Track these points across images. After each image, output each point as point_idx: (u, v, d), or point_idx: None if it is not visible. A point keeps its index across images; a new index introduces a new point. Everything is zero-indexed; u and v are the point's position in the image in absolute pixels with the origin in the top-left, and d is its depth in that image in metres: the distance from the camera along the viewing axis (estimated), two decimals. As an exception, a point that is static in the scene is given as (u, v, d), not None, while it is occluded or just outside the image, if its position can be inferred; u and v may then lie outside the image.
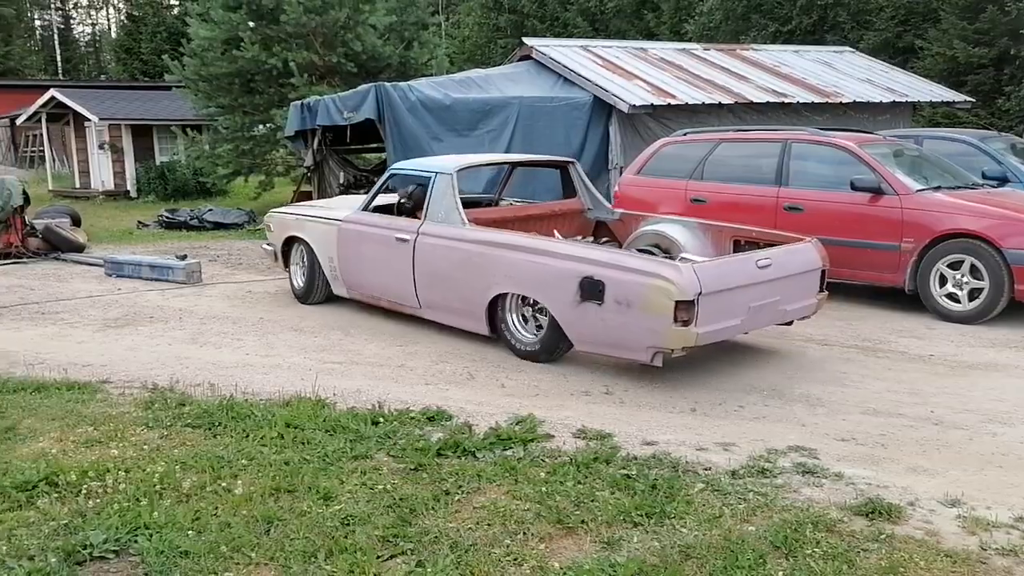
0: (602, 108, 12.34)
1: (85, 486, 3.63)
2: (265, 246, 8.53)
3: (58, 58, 53.33)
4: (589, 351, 5.61)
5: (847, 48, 17.57)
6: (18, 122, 25.18)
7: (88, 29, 62.78)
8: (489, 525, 3.34)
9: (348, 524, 3.34)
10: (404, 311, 6.88)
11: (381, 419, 4.51)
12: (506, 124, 11.86)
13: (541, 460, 3.98)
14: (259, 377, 5.51)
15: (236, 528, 3.30)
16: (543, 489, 3.63)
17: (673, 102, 12.14)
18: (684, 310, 4.88)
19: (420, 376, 5.57)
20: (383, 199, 7.31)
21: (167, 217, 14.86)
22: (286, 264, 8.10)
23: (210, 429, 4.39)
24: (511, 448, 4.14)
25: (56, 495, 3.58)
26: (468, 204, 6.83)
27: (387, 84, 11.23)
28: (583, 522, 3.37)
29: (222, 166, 16.93)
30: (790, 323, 6.10)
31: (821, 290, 5.98)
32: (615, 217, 7.41)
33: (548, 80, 12.95)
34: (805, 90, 13.52)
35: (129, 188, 20.92)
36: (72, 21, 60.47)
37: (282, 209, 8.44)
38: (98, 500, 3.53)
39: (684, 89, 12.76)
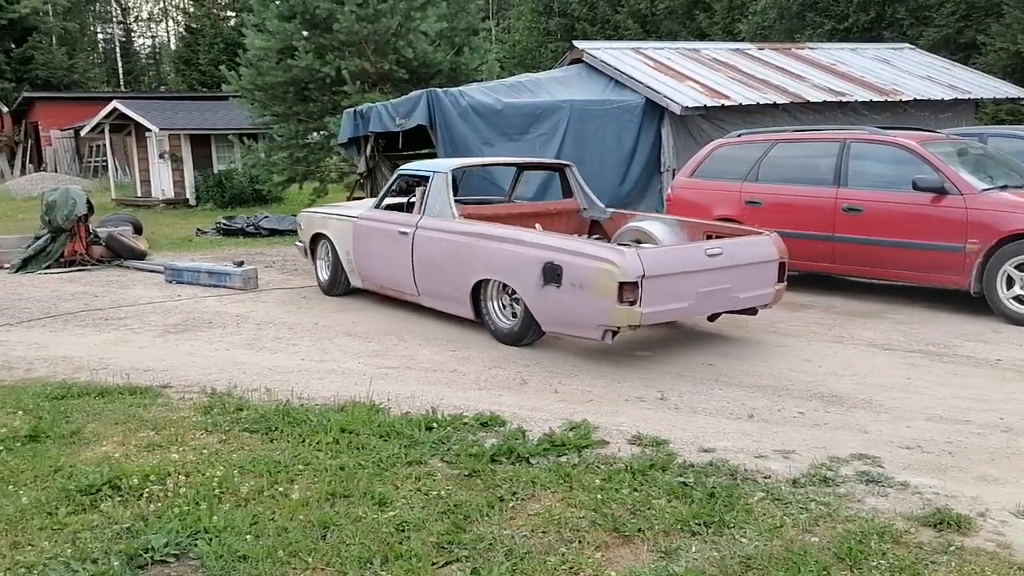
0: (654, 110, 12.23)
1: (146, 490, 3.70)
2: (297, 243, 9.24)
3: (120, 71, 54.91)
4: (554, 331, 6.17)
5: (906, 45, 17.15)
6: (82, 133, 25.98)
7: (148, 42, 64.61)
8: (544, 532, 3.32)
9: (403, 530, 3.35)
10: (406, 299, 7.58)
11: (435, 424, 4.51)
12: (557, 128, 11.83)
13: (596, 467, 3.94)
14: (314, 382, 5.57)
15: (293, 533, 3.33)
16: (598, 496, 3.58)
17: (727, 103, 11.98)
18: (629, 291, 5.42)
19: (473, 381, 5.57)
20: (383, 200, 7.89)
21: (224, 224, 15.17)
22: (314, 259, 8.85)
23: (267, 434, 4.44)
24: (565, 454, 4.10)
25: (119, 498, 3.65)
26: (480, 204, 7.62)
27: (438, 90, 11.29)
28: (640, 530, 3.32)
29: (277, 173, 17.23)
30: (753, 312, 6.54)
31: (780, 281, 6.35)
32: (607, 216, 7.91)
33: (599, 83, 12.89)
34: (863, 88, 13.22)
35: (188, 196, 21.44)
36: (133, 34, 62.23)
37: (311, 209, 9.29)
38: (159, 504, 3.59)
39: (738, 89, 12.58)
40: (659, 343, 6.47)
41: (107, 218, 14.30)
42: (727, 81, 12.98)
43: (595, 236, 7.65)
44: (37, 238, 11.52)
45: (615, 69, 12.77)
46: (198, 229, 15.48)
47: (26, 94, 33.45)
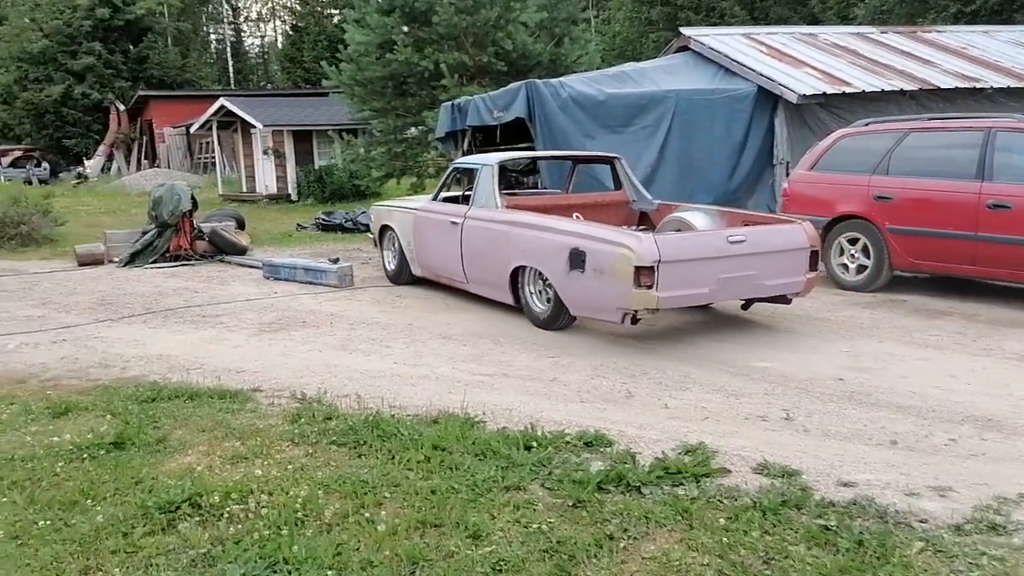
0: (767, 99, 11.50)
1: (227, 510, 3.44)
2: (370, 235, 9.80)
3: (230, 70, 56.80)
4: (581, 315, 6.42)
5: (1046, 26, 15.75)
6: (191, 130, 26.79)
7: (257, 41, 66.66)
8: (661, 581, 2.88)
9: (500, 571, 2.97)
10: (456, 286, 7.92)
11: (535, 443, 4.11)
12: (662, 119, 11.26)
13: (718, 501, 3.46)
14: (407, 389, 5.26)
15: (379, 568, 2.99)
16: (724, 540, 3.11)
17: (848, 90, 11.15)
18: (645, 275, 5.58)
19: (575, 392, 5.15)
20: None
21: (323, 220, 15.21)
22: (382, 250, 9.34)
23: (355, 448, 4.14)
24: (682, 484, 3.63)
25: (198, 518, 3.40)
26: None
27: (538, 81, 10.90)
28: (774, 584, 2.84)
29: (376, 169, 17.19)
30: (787, 301, 6.57)
31: (812, 269, 6.32)
32: (654, 207, 8.00)
33: (707, 72, 12.23)
34: (999, 74, 12.10)
35: (290, 191, 21.75)
36: (243, 34, 64.34)
37: (380, 203, 9.85)
38: (239, 526, 3.32)
39: (859, 75, 11.71)
40: (778, 351, 5.90)
41: (212, 213, 14.52)
42: (847, 67, 12.11)
43: (642, 227, 7.74)
44: (144, 233, 11.72)
45: (724, 56, 12.10)
46: (298, 224, 15.58)
47: (141, 92, 34.87)
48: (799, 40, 13.15)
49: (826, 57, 12.47)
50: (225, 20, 62.17)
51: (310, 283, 9.09)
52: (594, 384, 5.30)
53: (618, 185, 8.31)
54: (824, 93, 11.04)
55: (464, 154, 12.91)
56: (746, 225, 6.63)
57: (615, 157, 8.37)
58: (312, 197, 20.61)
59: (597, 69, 15.39)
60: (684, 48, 13.02)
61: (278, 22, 64.98)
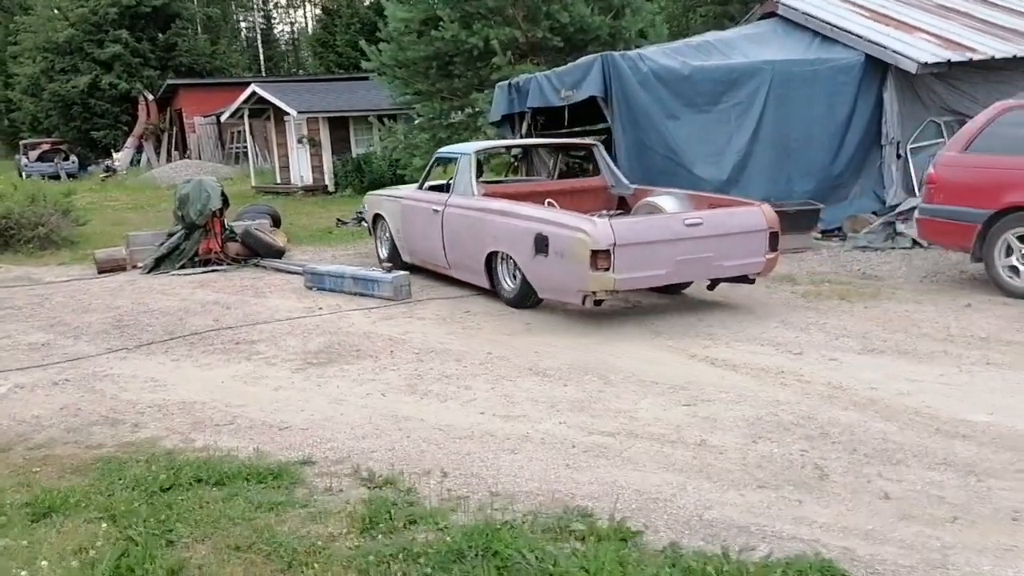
0: (875, 70, 9.97)
1: None
2: (363, 223, 9.88)
3: (261, 57, 55.69)
4: (546, 297, 6.68)
5: None
6: (222, 119, 25.62)
7: (287, 28, 65.53)
8: None
9: None
10: (440, 271, 8.10)
11: (731, 579, 2.73)
12: (756, 95, 9.78)
13: None
14: (506, 459, 3.92)
15: None
16: None
17: (976, 57, 9.57)
18: (602, 258, 5.79)
19: (739, 465, 3.76)
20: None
21: (364, 214, 13.87)
22: (376, 238, 9.49)
23: (460, 584, 2.79)
24: None
25: None
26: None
27: (615, 54, 9.46)
28: None
29: (419, 156, 15.81)
30: (751, 281, 6.72)
31: (772, 250, 6.42)
32: (630, 192, 8.02)
33: (801, 40, 10.70)
34: None
35: (327, 182, 20.49)
36: (273, 21, 63.16)
37: (374, 192, 10.09)
38: None
39: (983, 41, 10.11)
40: (1009, 396, 4.45)
41: (244, 209, 13.25)
42: (965, 31, 10.50)
43: (619, 211, 7.83)
44: (170, 235, 10.48)
45: (821, 22, 10.56)
46: (338, 220, 14.28)
47: (170, 81, 33.81)
48: (902, 2, 11.51)
49: (936, 20, 10.86)
50: (255, 6, 61.06)
51: (360, 294, 7.78)
52: (762, 452, 3.90)
53: (596, 171, 8.36)
54: (949, 61, 9.48)
55: (523, 139, 11.51)
56: (711, 208, 6.75)
57: (593, 144, 8.54)
58: (350, 187, 19.31)
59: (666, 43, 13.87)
60: (770, 14, 11.49)
61: (308, 6, 63.80)
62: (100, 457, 4.12)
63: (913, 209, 9.34)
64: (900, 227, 9.29)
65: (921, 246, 8.93)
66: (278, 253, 10.53)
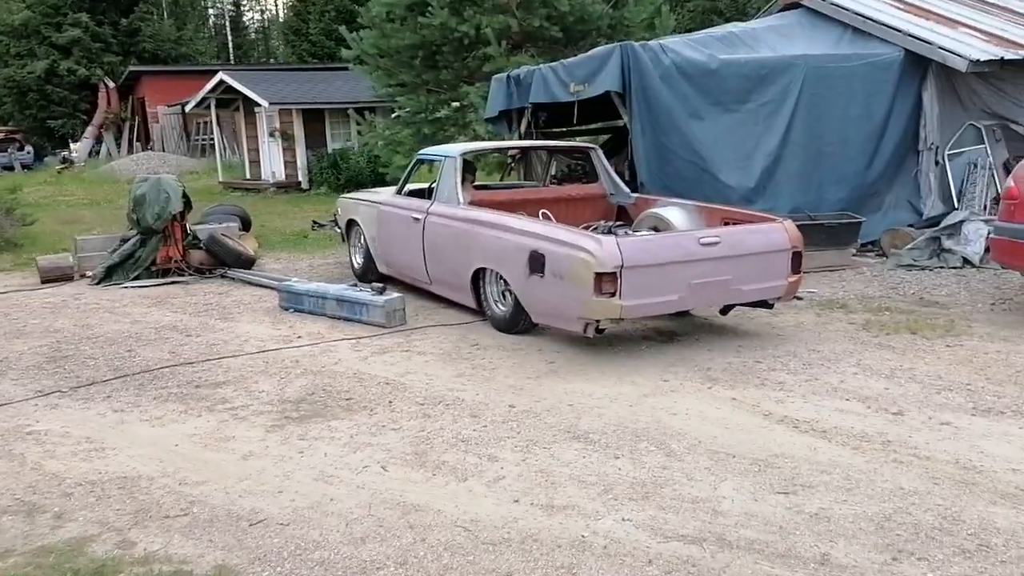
0: (915, 67, 9.01)
1: None
2: (336, 229, 9.11)
3: (230, 44, 53.89)
4: (541, 323, 5.86)
5: None
6: (187, 108, 24.17)
7: (258, 16, 63.65)
8: None
9: None
10: (420, 286, 7.32)
11: None
12: (787, 93, 8.78)
13: None
14: (564, 584, 2.84)
15: None
16: None
17: (1029, 55, 8.65)
18: (607, 282, 5.10)
19: (889, 602, 2.71)
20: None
21: (344, 216, 12.68)
22: (349, 246, 8.69)
23: None
24: None
25: None
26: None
27: (635, 43, 8.38)
28: None
29: (402, 154, 14.63)
30: (770, 306, 6.06)
31: (795, 272, 5.77)
32: (631, 201, 7.39)
33: (831, 34, 9.72)
34: None
35: (301, 179, 19.23)
36: (243, 7, 61.27)
37: (347, 195, 9.15)
38: None
39: (1034, 37, 9.20)
40: None
41: (211, 209, 12.03)
42: (1012, 27, 9.60)
43: (619, 223, 7.22)
44: (124, 240, 9.28)
45: (854, 14, 9.59)
46: (314, 222, 12.99)
47: (132, 68, 32.17)
48: (934, -6, 10.58)
49: (980, 15, 9.96)
50: (223, -8, 59.18)
51: (345, 319, 6.64)
52: (900, 572, 2.86)
53: (594, 177, 7.63)
54: (1002, 59, 8.54)
55: (521, 138, 10.42)
56: (725, 223, 6.13)
57: (591, 147, 7.87)
58: (325, 185, 18.08)
59: (671, 34, 12.83)
60: (794, 5, 10.50)
61: (279, -6, 61.97)
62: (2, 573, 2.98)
63: (960, 223, 8.46)
64: (947, 243, 8.35)
65: (973, 265, 8.03)
66: (248, 263, 9.34)
